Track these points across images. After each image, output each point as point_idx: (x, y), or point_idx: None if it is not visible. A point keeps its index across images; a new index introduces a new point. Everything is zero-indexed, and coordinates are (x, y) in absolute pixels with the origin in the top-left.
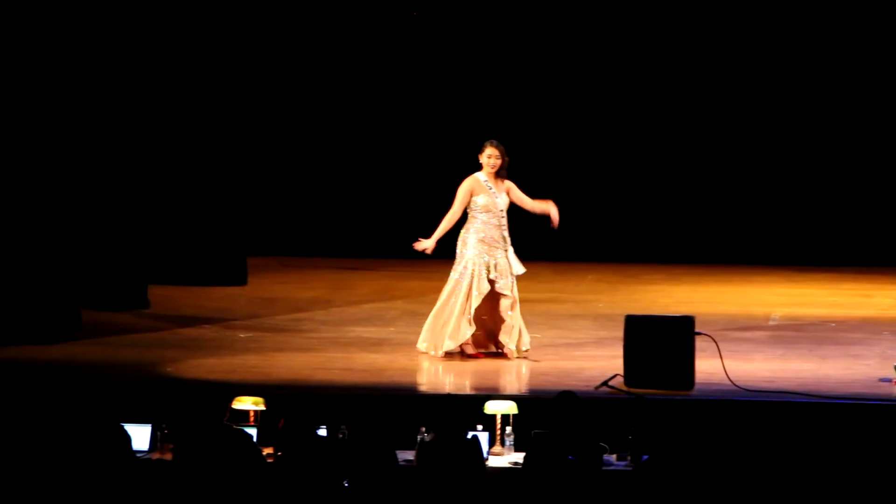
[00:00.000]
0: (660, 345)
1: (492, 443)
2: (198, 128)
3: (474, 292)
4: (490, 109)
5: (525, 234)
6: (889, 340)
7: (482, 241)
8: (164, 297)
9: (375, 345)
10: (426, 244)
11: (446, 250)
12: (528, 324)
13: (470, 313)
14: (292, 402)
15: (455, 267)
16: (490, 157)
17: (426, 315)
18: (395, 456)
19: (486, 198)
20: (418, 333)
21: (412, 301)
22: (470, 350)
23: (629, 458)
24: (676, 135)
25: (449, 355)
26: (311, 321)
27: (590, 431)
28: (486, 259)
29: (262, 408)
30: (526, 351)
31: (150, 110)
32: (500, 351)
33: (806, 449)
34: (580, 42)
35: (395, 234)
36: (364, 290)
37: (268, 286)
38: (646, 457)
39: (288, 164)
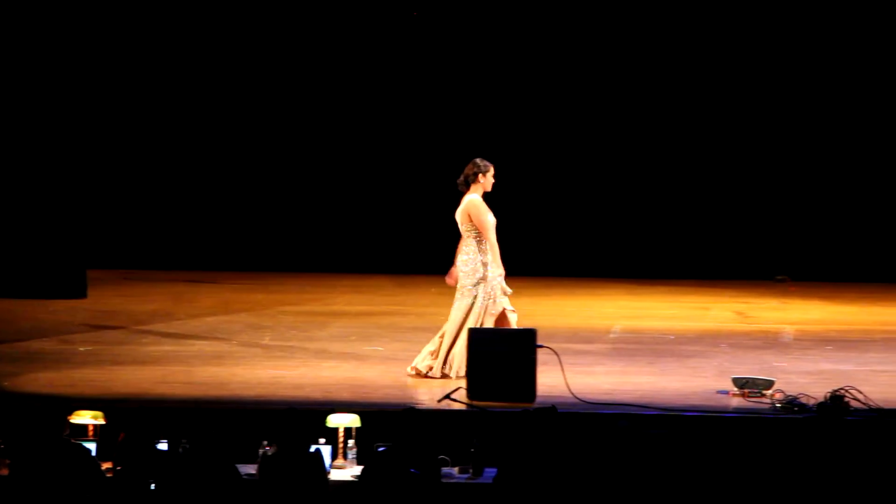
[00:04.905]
0: (502, 358)
1: (334, 456)
2: (33, 137)
3: (491, 313)
4: (337, 117)
5: (369, 247)
6: (726, 353)
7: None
8: (1, 310)
9: (217, 358)
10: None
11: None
12: (371, 336)
13: None
14: (132, 415)
15: (475, 287)
16: (493, 177)
17: (270, 328)
18: (236, 470)
19: (493, 217)
20: (261, 346)
21: (255, 314)
22: None
23: (471, 470)
24: (517, 147)
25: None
26: (152, 334)
27: (431, 444)
28: (499, 280)
29: (102, 422)
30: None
31: None
32: None
33: (645, 460)
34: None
35: (239, 246)
36: (206, 303)
37: (108, 299)
38: (489, 469)
39: (129, 175)
